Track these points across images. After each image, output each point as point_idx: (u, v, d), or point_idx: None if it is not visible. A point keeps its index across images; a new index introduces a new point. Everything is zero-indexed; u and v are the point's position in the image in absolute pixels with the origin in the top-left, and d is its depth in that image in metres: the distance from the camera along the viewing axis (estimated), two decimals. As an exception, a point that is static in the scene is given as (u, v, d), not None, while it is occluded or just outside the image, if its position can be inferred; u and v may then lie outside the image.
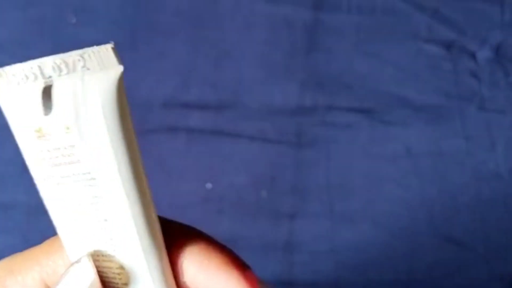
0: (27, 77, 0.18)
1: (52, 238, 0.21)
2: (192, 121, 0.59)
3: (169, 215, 0.23)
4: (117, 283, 0.20)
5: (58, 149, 0.18)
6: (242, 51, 0.63)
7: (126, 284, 0.20)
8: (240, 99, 0.61)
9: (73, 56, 0.18)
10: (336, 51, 0.63)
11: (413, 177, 0.62)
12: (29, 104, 0.18)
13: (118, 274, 0.20)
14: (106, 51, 0.17)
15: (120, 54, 0.18)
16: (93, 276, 0.19)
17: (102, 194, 0.18)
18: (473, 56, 0.64)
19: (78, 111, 0.18)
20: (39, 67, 0.18)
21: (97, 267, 0.19)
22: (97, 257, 0.20)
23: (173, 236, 0.20)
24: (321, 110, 0.62)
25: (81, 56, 0.18)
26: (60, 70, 0.18)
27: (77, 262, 0.19)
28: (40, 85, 0.18)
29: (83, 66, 0.18)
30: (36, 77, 0.18)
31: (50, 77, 0.18)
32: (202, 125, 0.58)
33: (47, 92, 0.18)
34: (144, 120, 0.58)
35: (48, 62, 0.18)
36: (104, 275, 0.20)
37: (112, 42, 0.18)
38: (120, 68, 0.18)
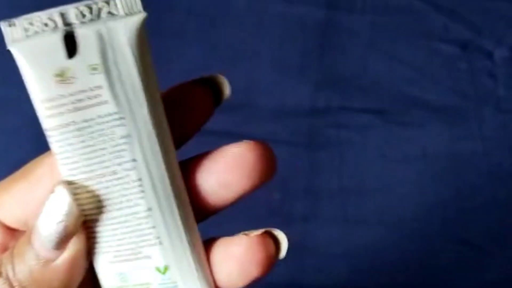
0: (46, 25, 0.18)
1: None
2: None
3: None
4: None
5: (83, 92, 0.18)
6: (255, 52, 0.62)
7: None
8: (252, 100, 0.61)
9: (98, 2, 0.18)
10: (350, 51, 0.63)
11: (428, 179, 0.61)
12: (49, 49, 0.18)
13: (145, 217, 0.20)
14: None
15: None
16: (69, 201, 0.19)
17: (131, 133, 0.19)
18: (489, 55, 0.64)
19: (105, 52, 0.18)
20: (61, 14, 0.18)
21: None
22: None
23: None
24: (335, 111, 0.61)
25: (106, 2, 0.18)
26: (83, 16, 0.18)
27: (52, 192, 0.19)
28: (61, 32, 0.18)
29: (108, 12, 0.18)
30: (56, 25, 0.18)
31: (71, 24, 0.18)
32: (214, 126, 0.57)
33: (69, 38, 0.18)
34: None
35: (71, 9, 0.18)
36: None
37: None
38: (143, 14, 0.19)
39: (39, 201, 0.20)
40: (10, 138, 0.57)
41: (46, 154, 0.21)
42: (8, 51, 0.19)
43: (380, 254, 0.59)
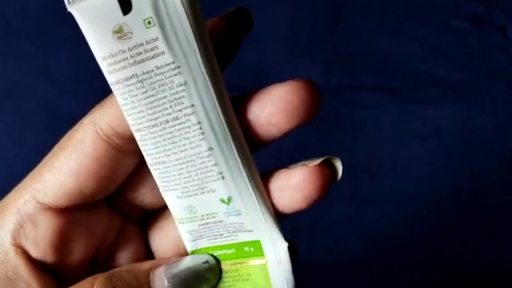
0: None
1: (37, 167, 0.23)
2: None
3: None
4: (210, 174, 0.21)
5: (141, 45, 0.19)
6: (266, 31, 0.62)
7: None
8: (264, 80, 0.60)
9: None
10: (361, 29, 0.62)
11: (441, 156, 0.61)
12: (105, 8, 0.19)
13: (207, 156, 0.21)
14: None
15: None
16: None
17: (188, 80, 0.20)
18: (502, 31, 0.63)
19: (157, 6, 0.19)
20: None
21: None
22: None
23: None
24: (347, 90, 0.61)
25: None
26: None
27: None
28: None
29: None
30: None
31: None
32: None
33: None
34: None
35: None
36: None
37: None
38: None
39: (82, 165, 0.21)
40: (25, 122, 0.57)
41: (84, 118, 0.22)
42: (68, 14, 0.20)
43: (392, 232, 0.59)
